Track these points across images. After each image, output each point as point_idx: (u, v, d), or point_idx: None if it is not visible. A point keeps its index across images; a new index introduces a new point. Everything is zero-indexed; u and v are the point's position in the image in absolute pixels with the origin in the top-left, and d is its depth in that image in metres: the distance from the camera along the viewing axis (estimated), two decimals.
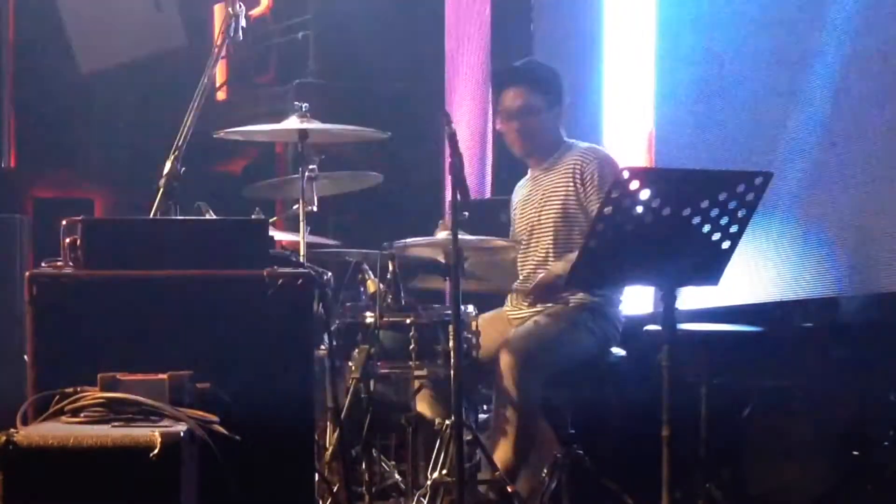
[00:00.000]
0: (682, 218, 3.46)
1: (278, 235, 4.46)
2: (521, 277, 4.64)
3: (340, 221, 6.28)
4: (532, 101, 4.55)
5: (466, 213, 3.83)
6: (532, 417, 4.24)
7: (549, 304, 4.45)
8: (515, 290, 4.60)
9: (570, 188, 4.49)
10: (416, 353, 4.07)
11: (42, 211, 7.56)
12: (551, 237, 4.52)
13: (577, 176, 4.47)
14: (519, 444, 4.18)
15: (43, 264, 2.96)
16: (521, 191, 4.75)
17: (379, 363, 4.07)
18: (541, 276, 4.45)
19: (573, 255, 4.30)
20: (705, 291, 4.07)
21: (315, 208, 4.24)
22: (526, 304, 4.49)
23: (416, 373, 4.10)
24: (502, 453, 4.18)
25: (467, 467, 4.03)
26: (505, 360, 4.19)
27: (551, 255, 4.51)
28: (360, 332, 4.10)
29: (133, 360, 2.61)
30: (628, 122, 5.60)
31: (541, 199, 4.57)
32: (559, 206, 4.51)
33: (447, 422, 4.08)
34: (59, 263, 2.95)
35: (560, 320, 4.40)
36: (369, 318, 4.10)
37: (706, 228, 3.51)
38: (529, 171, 4.75)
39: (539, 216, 4.57)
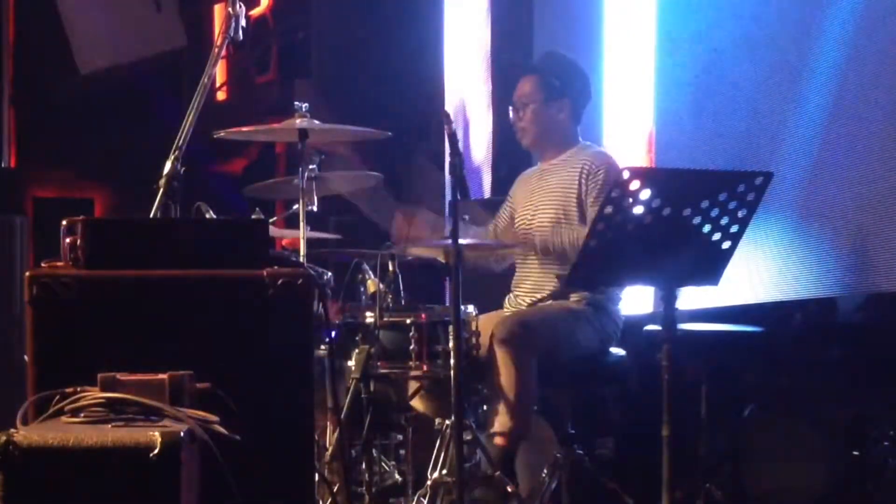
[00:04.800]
0: (682, 218, 3.46)
1: (277, 233, 4.46)
2: (517, 272, 4.64)
3: (340, 221, 6.28)
4: (540, 88, 4.58)
5: (467, 217, 3.83)
6: (530, 384, 4.16)
7: (549, 301, 4.46)
8: (513, 289, 4.62)
9: (574, 187, 4.49)
10: (416, 353, 4.07)
11: (42, 211, 7.58)
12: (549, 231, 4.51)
13: (584, 176, 4.47)
14: (518, 409, 4.11)
15: (43, 264, 2.96)
16: (526, 180, 4.74)
17: (379, 363, 4.07)
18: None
19: (567, 232, 4.34)
20: (705, 291, 4.07)
21: (315, 208, 4.24)
22: (525, 305, 4.51)
23: (416, 373, 4.11)
24: (502, 420, 4.12)
25: (467, 467, 4.03)
26: (505, 325, 4.17)
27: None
28: (360, 332, 4.10)
29: (133, 360, 2.60)
30: (628, 122, 5.60)
31: (546, 192, 4.57)
32: (560, 203, 4.50)
33: (447, 422, 4.08)
34: (59, 263, 2.95)
35: (562, 308, 4.41)
36: (369, 318, 4.10)
37: (706, 228, 3.50)
38: (539, 164, 4.75)
39: (537, 209, 4.57)
